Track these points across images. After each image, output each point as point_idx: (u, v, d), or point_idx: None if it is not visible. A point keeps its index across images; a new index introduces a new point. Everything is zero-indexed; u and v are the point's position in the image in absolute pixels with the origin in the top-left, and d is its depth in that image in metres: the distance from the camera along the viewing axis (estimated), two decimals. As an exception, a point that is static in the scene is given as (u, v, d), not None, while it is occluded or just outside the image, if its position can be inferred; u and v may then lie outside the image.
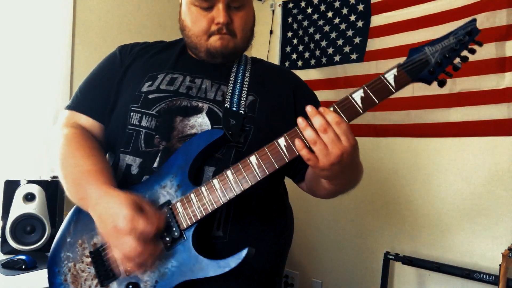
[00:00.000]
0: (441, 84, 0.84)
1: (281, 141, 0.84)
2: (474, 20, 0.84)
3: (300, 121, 0.81)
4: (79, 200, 0.93)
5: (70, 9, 2.14)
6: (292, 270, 2.55)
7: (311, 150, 0.80)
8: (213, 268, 0.84)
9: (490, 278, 1.71)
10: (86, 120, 1.07)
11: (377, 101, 0.82)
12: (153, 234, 0.82)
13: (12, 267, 1.60)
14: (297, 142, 0.80)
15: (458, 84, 1.89)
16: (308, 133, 0.79)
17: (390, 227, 2.16)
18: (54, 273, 0.97)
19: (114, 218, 0.82)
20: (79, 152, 0.97)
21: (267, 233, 1.04)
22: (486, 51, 1.80)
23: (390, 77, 0.82)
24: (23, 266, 1.60)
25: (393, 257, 2.02)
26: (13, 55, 1.95)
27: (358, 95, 0.83)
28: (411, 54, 0.84)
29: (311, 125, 0.80)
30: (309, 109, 0.81)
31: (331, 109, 0.82)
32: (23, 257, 1.63)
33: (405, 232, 2.10)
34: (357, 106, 0.82)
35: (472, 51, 0.84)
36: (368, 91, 0.82)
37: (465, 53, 0.84)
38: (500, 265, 1.53)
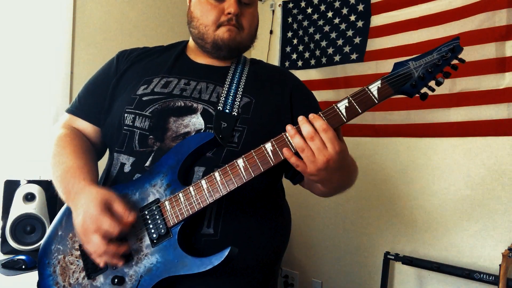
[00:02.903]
0: (423, 97, 0.88)
1: (268, 146, 0.87)
2: (458, 38, 0.87)
3: (289, 128, 0.84)
4: (64, 194, 0.97)
5: (70, 9, 2.15)
6: (292, 270, 2.56)
7: (299, 157, 0.83)
8: (196, 266, 0.87)
9: (490, 278, 1.71)
10: (82, 123, 1.13)
11: (360, 111, 0.85)
12: (116, 235, 0.85)
13: (12, 267, 1.61)
14: (285, 150, 0.84)
15: (458, 84, 1.89)
16: (296, 141, 0.83)
17: (390, 227, 2.16)
18: (44, 265, 1.00)
19: (83, 215, 0.87)
20: (65, 150, 1.03)
21: (260, 230, 1.04)
22: (486, 51, 1.80)
23: (374, 89, 0.85)
24: (23, 266, 1.60)
25: (393, 257, 2.02)
26: (13, 55, 1.95)
27: (343, 105, 0.86)
28: (395, 67, 0.87)
29: (300, 132, 0.83)
30: (300, 118, 0.84)
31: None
32: (23, 257, 1.64)
33: (405, 232, 2.10)
34: (341, 115, 0.85)
35: (455, 68, 0.87)
36: (353, 101, 0.85)
37: (448, 69, 0.87)
38: (500, 265, 1.53)
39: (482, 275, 1.73)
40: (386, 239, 2.16)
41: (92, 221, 0.85)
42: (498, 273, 1.55)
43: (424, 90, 0.88)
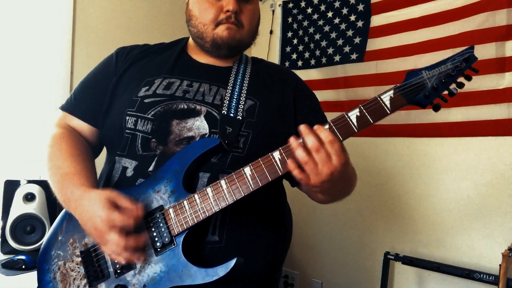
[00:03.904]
0: (436, 108, 0.86)
1: (276, 154, 0.85)
2: (472, 47, 0.86)
3: (292, 140, 0.82)
4: (63, 202, 0.96)
5: (70, 9, 2.15)
6: (292, 270, 2.56)
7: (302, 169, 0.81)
8: (201, 276, 0.85)
9: (490, 278, 1.71)
10: (78, 123, 1.09)
11: (372, 121, 0.83)
12: (133, 225, 0.83)
13: (12, 267, 1.61)
14: (289, 162, 0.81)
15: (458, 84, 1.89)
16: (299, 154, 0.80)
17: (390, 227, 2.16)
18: (43, 271, 0.98)
19: (92, 220, 0.85)
20: (61, 153, 1.00)
21: (265, 235, 1.02)
22: (486, 51, 1.80)
23: (386, 98, 0.83)
24: (23, 266, 1.60)
25: (393, 257, 2.02)
26: (13, 55, 1.95)
27: (354, 114, 0.83)
28: (408, 77, 0.85)
29: (302, 144, 0.81)
30: (302, 127, 0.82)
31: (327, 126, 0.83)
32: (23, 257, 1.64)
33: (405, 232, 2.10)
34: (352, 125, 0.83)
35: (469, 78, 0.85)
36: (364, 111, 0.83)
37: (461, 79, 0.85)
38: (500, 265, 1.53)
39: (482, 275, 1.73)
40: (386, 239, 2.16)
41: (104, 222, 0.84)
42: (498, 273, 1.54)
43: (437, 101, 0.85)
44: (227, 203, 0.86)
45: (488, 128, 1.82)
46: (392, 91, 0.83)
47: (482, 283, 1.77)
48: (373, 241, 2.22)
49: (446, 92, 0.85)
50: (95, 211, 0.85)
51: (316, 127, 0.81)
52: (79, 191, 0.91)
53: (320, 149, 0.79)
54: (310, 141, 0.79)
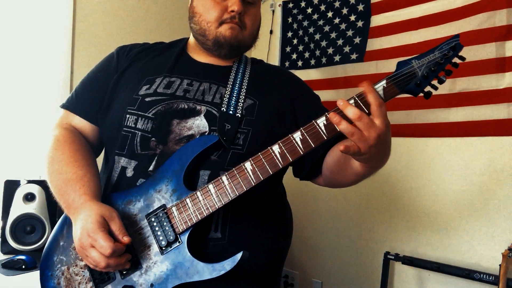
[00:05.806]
0: (427, 96, 0.87)
1: (275, 148, 0.86)
2: (458, 36, 0.88)
3: (332, 116, 0.81)
4: (64, 208, 0.96)
5: (70, 9, 2.15)
6: (292, 270, 2.56)
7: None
8: (208, 271, 0.86)
9: (490, 278, 1.71)
10: (79, 121, 1.09)
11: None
12: (108, 255, 0.83)
13: (12, 267, 1.60)
14: (343, 147, 0.80)
15: (458, 84, 1.89)
16: (344, 127, 0.79)
17: (390, 227, 2.16)
18: (46, 277, 0.97)
19: (81, 230, 0.86)
20: (64, 157, 0.99)
21: (266, 233, 1.04)
22: (486, 51, 1.80)
23: (379, 88, 0.84)
24: (23, 266, 1.60)
25: (393, 257, 2.02)
26: (13, 55, 1.95)
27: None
28: (399, 67, 0.87)
29: (344, 116, 0.80)
30: (340, 102, 0.81)
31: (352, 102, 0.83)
32: (23, 257, 1.63)
33: (405, 232, 2.10)
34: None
35: (456, 65, 0.88)
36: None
37: (449, 67, 0.87)
38: (500, 265, 1.53)
39: (482, 275, 1.73)
40: (386, 239, 2.16)
41: (88, 236, 0.84)
42: (498, 273, 1.54)
43: (428, 88, 0.88)
44: (229, 198, 0.88)
45: (488, 128, 1.82)
46: (384, 81, 0.85)
47: (482, 283, 1.77)
48: (373, 241, 2.22)
49: (435, 80, 0.87)
50: (86, 222, 0.86)
51: (367, 89, 0.81)
52: (80, 199, 0.92)
53: (361, 116, 0.78)
54: (351, 112, 0.79)
